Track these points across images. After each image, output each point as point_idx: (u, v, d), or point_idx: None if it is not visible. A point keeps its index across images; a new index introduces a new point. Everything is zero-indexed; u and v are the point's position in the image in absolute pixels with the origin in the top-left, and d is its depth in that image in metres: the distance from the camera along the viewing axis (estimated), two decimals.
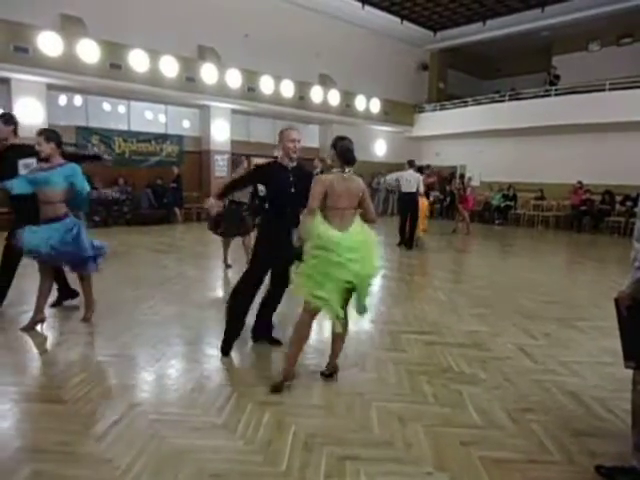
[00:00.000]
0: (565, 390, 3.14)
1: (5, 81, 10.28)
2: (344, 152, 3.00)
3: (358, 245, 2.89)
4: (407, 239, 9.48)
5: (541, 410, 2.85)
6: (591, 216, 13.77)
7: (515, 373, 3.40)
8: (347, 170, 2.99)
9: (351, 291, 2.95)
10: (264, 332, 3.83)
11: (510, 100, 15.88)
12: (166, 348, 3.70)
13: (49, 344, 3.84)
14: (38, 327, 4.05)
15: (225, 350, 3.57)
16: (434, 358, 3.66)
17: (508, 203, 15.49)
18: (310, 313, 2.94)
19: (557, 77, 16.07)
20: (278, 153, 3.56)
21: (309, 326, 2.99)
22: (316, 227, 2.85)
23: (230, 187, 3.71)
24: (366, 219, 3.10)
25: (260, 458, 2.30)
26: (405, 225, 9.54)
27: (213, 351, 3.65)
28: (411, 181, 9.32)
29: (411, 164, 9.61)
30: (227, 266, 6.81)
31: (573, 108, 13.65)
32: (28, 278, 4.66)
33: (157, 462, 2.23)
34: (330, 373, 3.20)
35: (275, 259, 3.53)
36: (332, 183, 2.92)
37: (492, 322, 4.65)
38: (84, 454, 2.29)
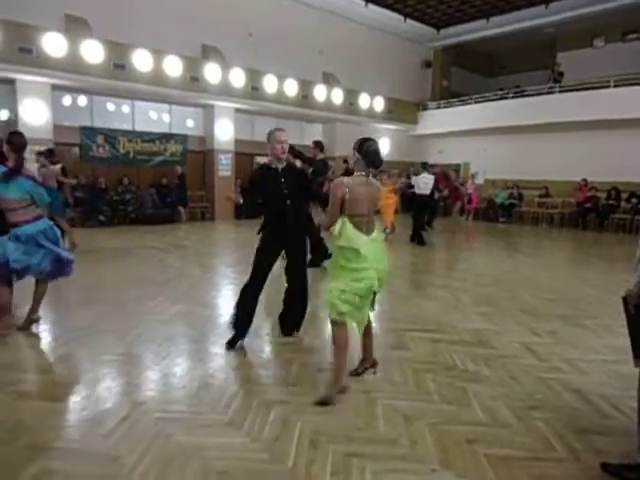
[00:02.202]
0: (571, 388, 3.13)
1: (10, 82, 10.34)
2: (371, 154, 2.86)
3: (380, 252, 2.95)
4: (415, 235, 9.84)
5: (547, 408, 2.85)
6: (596, 213, 13.70)
7: (520, 371, 3.39)
8: (370, 174, 2.92)
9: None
10: (289, 327, 3.96)
11: (514, 97, 15.81)
12: (171, 347, 3.72)
13: (55, 343, 3.87)
14: (33, 327, 4.07)
15: (231, 343, 3.67)
16: (439, 356, 3.66)
17: (512, 201, 15.45)
18: (338, 325, 2.88)
19: (561, 74, 16.00)
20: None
21: (344, 336, 2.91)
22: (345, 231, 2.82)
23: (246, 204, 3.80)
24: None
25: (266, 456, 2.31)
26: (418, 223, 9.94)
27: (218, 349, 3.67)
28: (427, 184, 9.69)
29: (425, 167, 9.98)
30: None
31: (578, 105, 13.57)
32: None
33: (163, 460, 2.25)
34: (365, 368, 3.24)
35: (274, 257, 3.63)
36: (352, 188, 2.81)
37: (497, 320, 4.65)
38: (91, 452, 2.31)
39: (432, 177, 9.91)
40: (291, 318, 3.93)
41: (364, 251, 2.79)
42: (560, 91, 14.71)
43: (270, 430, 2.53)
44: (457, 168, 17.61)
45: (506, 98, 16.03)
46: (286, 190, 3.55)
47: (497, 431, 2.57)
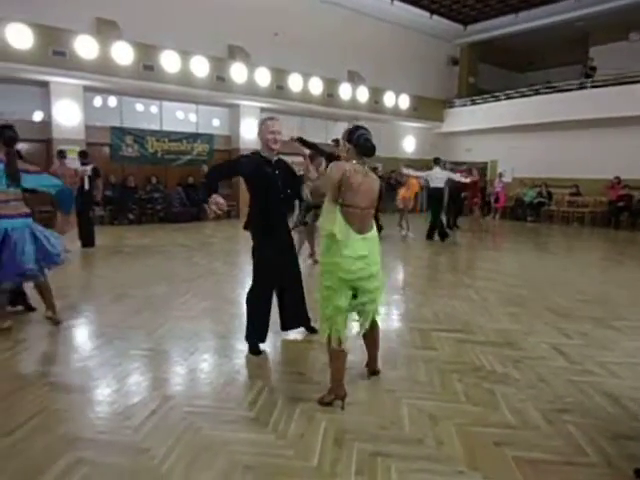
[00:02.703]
0: (603, 391, 3.05)
1: (45, 84, 10.68)
2: (362, 142, 2.71)
3: (369, 252, 2.73)
4: (432, 232, 10.15)
5: (577, 411, 2.78)
6: (630, 212, 13.27)
7: (550, 373, 3.32)
8: (365, 164, 2.75)
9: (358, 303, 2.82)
10: (295, 323, 3.87)
11: (544, 93, 15.44)
12: (199, 342, 3.78)
13: (88, 338, 3.99)
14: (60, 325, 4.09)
15: (254, 350, 3.58)
16: (465, 356, 3.61)
17: (541, 200, 15.10)
18: (336, 343, 2.72)
19: (593, 69, 15.54)
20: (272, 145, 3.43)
21: (341, 351, 2.75)
22: (336, 222, 2.65)
23: (210, 177, 3.38)
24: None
25: (292, 452, 2.33)
26: (436, 218, 10.19)
27: (244, 346, 3.70)
28: (439, 178, 10.06)
29: (437, 162, 10.35)
30: (315, 262, 6.94)
31: (611, 100, 13.16)
32: (65, 273, 4.84)
33: (192, 453, 2.29)
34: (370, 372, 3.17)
35: (276, 256, 3.49)
36: (351, 172, 2.65)
37: (525, 321, 4.56)
38: (122, 443, 2.37)
39: (445, 172, 10.30)
40: (290, 311, 3.80)
41: (350, 243, 2.64)
42: (592, 86, 14.29)
43: (295, 427, 2.55)
44: (484, 166, 17.34)
45: (536, 94, 15.65)
46: (280, 183, 3.43)
47: (526, 434, 2.53)
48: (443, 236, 9.90)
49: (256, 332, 3.60)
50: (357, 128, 2.79)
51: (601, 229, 13.44)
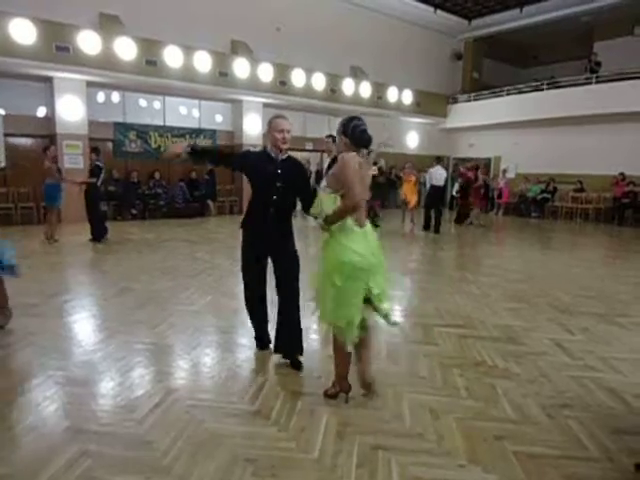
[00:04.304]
0: (604, 387, 3.06)
1: (48, 79, 10.68)
2: (358, 134, 2.61)
3: (374, 247, 2.65)
4: (435, 226, 10.55)
5: (578, 406, 2.79)
6: (634, 209, 13.22)
7: (551, 368, 3.33)
8: (363, 156, 2.64)
9: (368, 300, 2.65)
10: (284, 349, 3.35)
11: (548, 89, 15.34)
12: (201, 337, 3.81)
13: (91, 331, 4.01)
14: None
15: (259, 344, 3.57)
16: (467, 352, 3.62)
17: (545, 196, 15.05)
18: (341, 338, 2.66)
19: (598, 64, 15.41)
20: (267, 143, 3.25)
21: (346, 347, 2.68)
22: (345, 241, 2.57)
23: (208, 153, 3.56)
24: None
25: (293, 445, 2.34)
26: (431, 213, 10.66)
27: (246, 341, 3.73)
28: (442, 175, 10.57)
29: (438, 161, 10.86)
30: None
31: (616, 96, 13.06)
32: (69, 267, 4.86)
33: (194, 446, 2.31)
34: (365, 391, 2.83)
35: (262, 257, 3.28)
36: (360, 167, 2.58)
37: (527, 316, 4.56)
38: (126, 436, 2.39)
39: (444, 170, 10.77)
40: (283, 341, 3.33)
41: (354, 236, 2.56)
42: (597, 82, 14.20)
43: (297, 420, 2.57)
44: (487, 162, 17.27)
45: (540, 90, 15.55)
46: (279, 183, 3.10)
47: (527, 428, 2.54)
48: (437, 229, 10.40)
49: (256, 335, 3.55)
50: (351, 119, 2.65)
51: (605, 225, 13.40)
